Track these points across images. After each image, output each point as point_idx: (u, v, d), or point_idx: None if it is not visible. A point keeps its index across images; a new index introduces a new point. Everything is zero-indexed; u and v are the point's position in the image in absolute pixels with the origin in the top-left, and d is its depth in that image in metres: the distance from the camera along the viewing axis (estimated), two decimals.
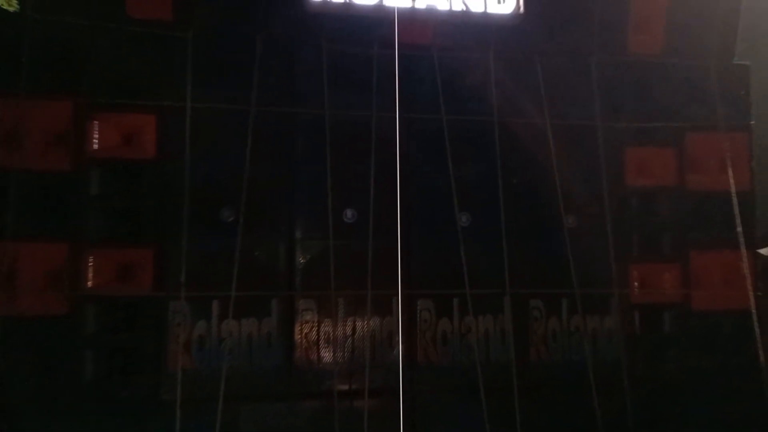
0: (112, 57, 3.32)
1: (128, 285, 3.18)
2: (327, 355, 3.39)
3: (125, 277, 3.19)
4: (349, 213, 3.52)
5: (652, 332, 3.73)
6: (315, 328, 3.39)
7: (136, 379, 3.21)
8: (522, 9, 3.60)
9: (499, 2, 3.61)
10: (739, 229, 3.73)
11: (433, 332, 3.55)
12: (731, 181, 3.78)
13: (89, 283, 3.16)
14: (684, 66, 3.92)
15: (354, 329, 3.42)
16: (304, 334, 3.37)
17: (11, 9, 3.26)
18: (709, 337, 3.74)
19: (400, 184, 3.55)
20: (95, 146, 3.24)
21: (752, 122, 3.91)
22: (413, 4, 3.56)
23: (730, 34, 3.95)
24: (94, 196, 3.25)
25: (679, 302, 3.75)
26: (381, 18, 3.60)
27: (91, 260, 3.17)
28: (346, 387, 3.33)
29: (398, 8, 3.55)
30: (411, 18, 3.59)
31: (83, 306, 3.16)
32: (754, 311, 3.65)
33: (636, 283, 3.71)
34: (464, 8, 3.59)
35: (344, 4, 3.51)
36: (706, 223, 3.83)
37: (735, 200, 3.75)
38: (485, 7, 3.60)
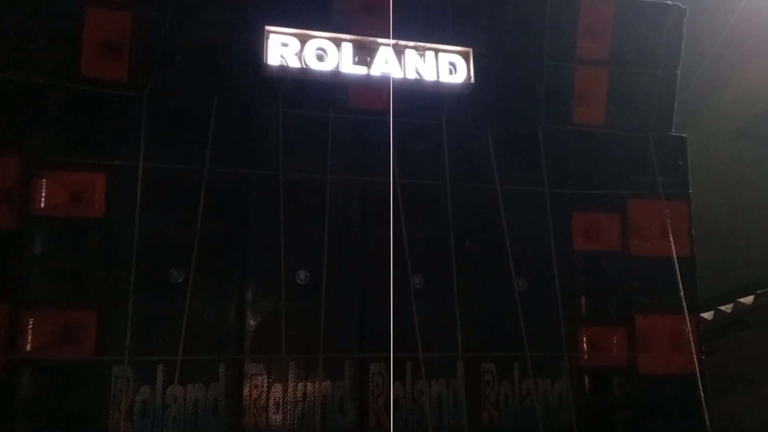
0: (65, 115, 3.29)
1: (70, 348, 3.06)
2: (277, 421, 3.28)
3: (67, 340, 3.07)
4: (302, 274, 3.50)
5: (601, 396, 3.76)
6: (264, 393, 3.29)
7: None
8: (472, 79, 3.75)
9: (450, 73, 3.76)
10: (682, 293, 3.84)
11: (386, 397, 3.49)
12: (672, 246, 3.92)
13: (27, 347, 3.02)
14: (625, 137, 4.11)
15: (305, 394, 3.34)
16: (252, 399, 3.27)
17: None
18: (656, 401, 3.79)
19: (354, 246, 3.57)
20: (42, 204, 3.16)
21: (690, 191, 4.09)
22: (368, 71, 3.67)
23: (668, 106, 4.18)
24: (38, 255, 3.14)
25: (627, 366, 3.80)
26: (336, 83, 3.70)
27: (31, 322, 3.04)
28: None
29: (354, 75, 3.65)
30: (366, 85, 3.69)
31: (20, 370, 3.01)
32: (698, 375, 3.73)
33: (585, 347, 3.76)
34: (417, 77, 3.72)
35: (301, 69, 3.59)
36: (649, 288, 3.94)
37: (676, 266, 3.88)
38: (437, 77, 3.73)
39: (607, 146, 4.05)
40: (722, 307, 5.39)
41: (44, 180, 3.18)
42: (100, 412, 3.06)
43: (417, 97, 3.75)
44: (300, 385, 3.35)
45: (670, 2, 4.14)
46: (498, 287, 3.73)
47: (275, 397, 3.30)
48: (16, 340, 3.03)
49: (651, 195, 4.02)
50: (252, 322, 3.38)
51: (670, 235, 3.93)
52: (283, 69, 3.58)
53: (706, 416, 3.68)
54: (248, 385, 3.28)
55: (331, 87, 3.69)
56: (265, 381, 3.31)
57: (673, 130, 4.20)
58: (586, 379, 3.76)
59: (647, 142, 4.12)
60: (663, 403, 3.75)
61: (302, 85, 3.64)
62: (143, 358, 3.11)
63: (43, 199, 3.17)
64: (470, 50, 3.80)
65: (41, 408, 3.05)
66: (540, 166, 3.91)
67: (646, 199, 4.02)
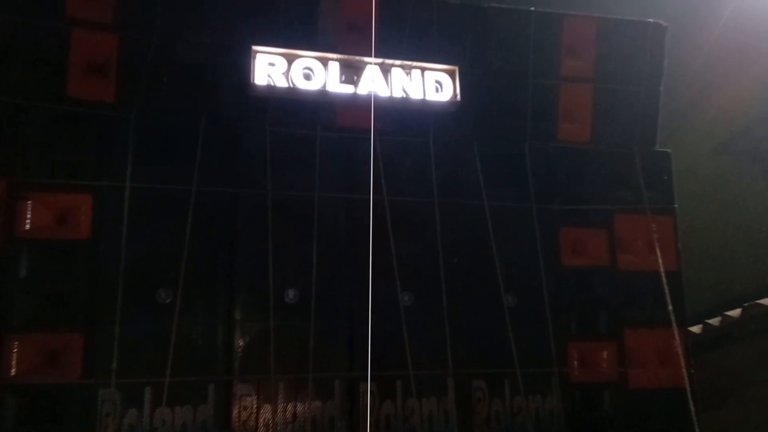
0: (50, 136, 3.27)
1: (55, 372, 3.01)
2: None
3: (52, 364, 3.02)
4: (290, 293, 3.48)
5: (592, 411, 3.75)
6: (254, 414, 3.26)
7: None
8: (458, 97, 3.78)
9: (437, 90, 3.79)
10: (670, 307, 3.86)
11: (376, 415, 3.47)
12: (659, 261, 3.94)
13: (12, 372, 2.97)
14: (610, 152, 4.15)
15: (295, 414, 3.31)
16: (242, 420, 3.23)
17: None
18: (647, 415, 3.78)
19: (343, 264, 3.57)
20: (27, 226, 3.13)
21: (675, 206, 4.13)
22: (355, 90, 3.69)
23: (651, 123, 4.23)
24: (23, 278, 3.10)
25: (617, 380, 3.80)
26: (323, 102, 3.71)
27: (15, 346, 2.99)
28: None
29: (340, 94, 3.67)
30: (353, 103, 3.71)
31: (4, 396, 2.96)
32: (688, 388, 3.74)
33: (575, 362, 3.76)
34: (404, 95, 3.75)
35: (288, 89, 3.60)
36: (638, 302, 3.95)
37: (664, 279, 3.90)
38: (424, 95, 3.76)
39: (593, 162, 4.09)
40: (710, 321, 5.42)
41: (29, 202, 3.15)
42: None
43: (404, 115, 3.77)
44: (290, 406, 3.32)
45: (651, 20, 4.21)
46: (487, 303, 3.73)
47: (265, 418, 3.26)
48: (1, 365, 2.98)
49: (637, 210, 4.06)
50: (241, 342, 3.35)
51: (657, 249, 3.95)
52: (271, 89, 3.59)
53: (696, 430, 3.68)
54: (237, 406, 3.24)
55: (319, 106, 3.71)
56: (255, 402, 3.28)
57: (657, 146, 4.25)
58: (577, 394, 3.75)
59: (632, 157, 4.16)
60: (653, 417, 3.75)
61: (289, 105, 3.65)
62: (130, 381, 3.07)
63: (28, 221, 3.14)
64: (456, 68, 3.84)
65: None
66: (527, 182, 3.94)
67: (633, 214, 4.05)
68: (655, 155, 4.23)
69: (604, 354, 3.82)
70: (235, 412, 3.23)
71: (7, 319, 3.06)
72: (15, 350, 3.00)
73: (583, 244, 3.94)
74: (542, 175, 3.97)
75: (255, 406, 3.27)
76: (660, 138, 4.27)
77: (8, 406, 2.96)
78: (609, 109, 4.15)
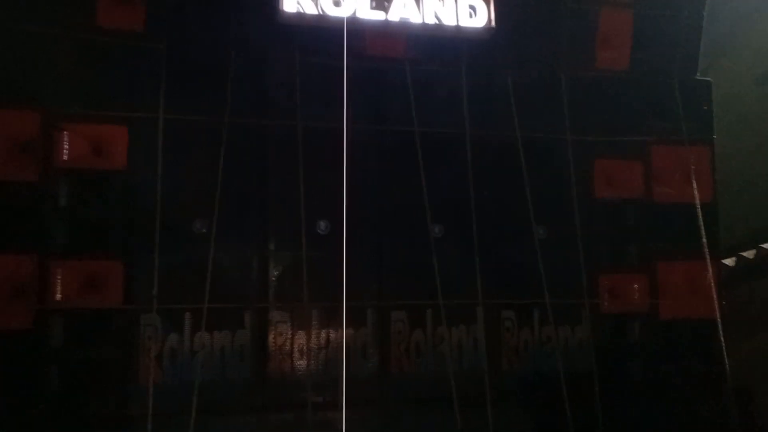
0: (84, 67, 3.27)
1: (98, 298, 3.12)
2: (301, 366, 3.36)
3: (94, 290, 3.12)
4: (322, 225, 3.52)
5: (621, 341, 3.79)
6: (289, 340, 3.36)
7: (104, 394, 3.13)
8: (493, 23, 3.66)
9: (471, 16, 3.66)
10: (704, 240, 3.82)
11: (407, 343, 3.55)
12: (695, 193, 3.88)
13: (56, 296, 3.09)
14: (649, 81, 4.03)
15: (328, 340, 3.41)
16: (278, 345, 3.34)
17: None
18: (676, 346, 3.81)
19: (373, 196, 3.58)
20: (64, 157, 3.18)
21: (714, 136, 4.02)
22: (386, 17, 3.59)
23: (693, 50, 4.07)
24: (63, 207, 3.18)
25: (647, 311, 3.81)
26: (353, 30, 3.63)
27: (58, 273, 3.10)
28: (320, 398, 3.30)
29: (370, 21, 3.58)
30: (384, 31, 3.63)
31: (49, 319, 3.08)
32: (718, 320, 3.74)
33: (606, 293, 3.77)
34: (437, 22, 3.64)
35: (318, 16, 3.52)
36: (671, 234, 3.91)
37: (699, 212, 3.85)
38: (457, 21, 3.65)
39: (631, 92, 3.97)
40: (744, 253, 5.35)
41: (65, 132, 3.18)
42: (131, 359, 3.14)
43: (436, 43, 3.68)
44: (323, 332, 3.41)
45: None
46: (518, 235, 3.73)
47: (299, 344, 3.37)
48: (45, 291, 3.09)
49: (674, 141, 3.96)
50: (275, 272, 3.43)
51: (693, 181, 3.88)
52: (300, 16, 3.51)
53: (726, 360, 3.70)
54: (273, 332, 3.35)
55: (348, 34, 3.63)
56: (290, 328, 3.37)
57: (698, 74, 4.10)
58: (607, 325, 3.78)
59: (671, 86, 4.03)
60: (683, 348, 3.78)
61: (319, 33, 3.58)
62: (171, 307, 3.17)
63: (65, 152, 3.18)
64: None
65: (72, 356, 3.13)
66: (561, 112, 3.85)
67: (670, 145, 3.96)
68: (695, 84, 4.09)
69: (635, 286, 3.82)
70: (271, 337, 3.34)
71: (50, 246, 3.15)
72: (58, 276, 3.10)
73: (618, 175, 3.89)
74: (577, 105, 3.87)
75: (290, 332, 3.37)
76: (701, 66, 4.12)
77: (55, 328, 3.09)
78: (649, 36, 4.00)
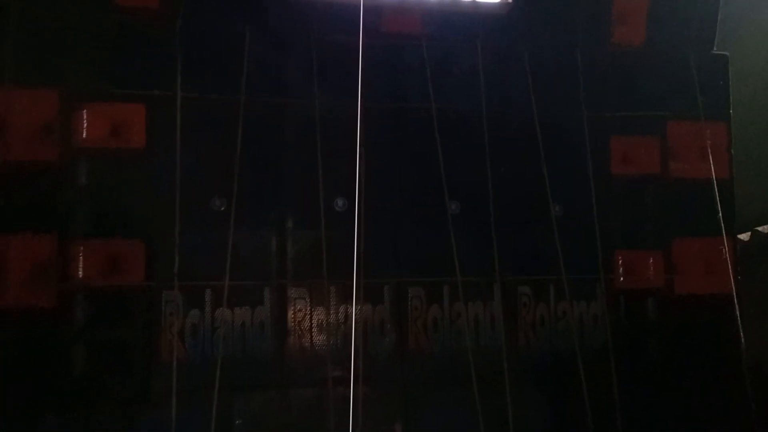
0: (100, 46, 3.27)
1: (120, 276, 3.15)
2: (320, 342, 3.40)
3: (116, 269, 3.16)
4: (339, 202, 3.54)
5: (637, 317, 3.81)
6: (308, 316, 3.40)
7: (128, 371, 3.18)
8: None
9: None
10: (720, 215, 3.82)
11: (424, 319, 3.58)
12: (712, 169, 3.87)
13: (79, 275, 3.13)
14: (665, 56, 4.00)
15: (347, 317, 3.44)
16: (297, 321, 3.38)
17: None
18: (692, 322, 3.83)
19: (390, 173, 3.59)
20: (83, 136, 3.19)
21: (731, 111, 4.00)
22: None
23: (710, 24, 4.04)
24: (83, 186, 3.21)
25: (662, 287, 3.83)
26: (369, 7, 3.61)
27: (80, 252, 3.13)
28: (339, 374, 3.35)
29: None
30: (399, 7, 3.61)
31: (73, 297, 3.13)
32: (734, 296, 3.75)
33: (621, 269, 3.78)
34: None
35: None
36: (687, 210, 3.92)
37: (715, 188, 3.85)
38: None
39: (647, 67, 3.95)
40: (760, 228, 5.34)
41: (84, 111, 3.20)
42: (153, 335, 3.18)
43: (452, 19, 3.66)
44: (341, 309, 3.45)
45: None
46: (534, 212, 3.74)
47: (318, 320, 3.41)
48: (68, 270, 3.13)
49: (691, 116, 3.94)
50: (293, 249, 3.45)
51: (710, 157, 3.87)
52: None
53: (742, 337, 3.72)
54: (292, 308, 3.39)
55: (364, 11, 3.61)
56: (308, 305, 3.41)
57: (714, 49, 4.07)
58: (622, 300, 3.80)
59: (688, 61, 4.01)
60: (698, 324, 3.80)
61: (334, 10, 3.57)
62: (192, 284, 3.21)
63: (84, 131, 3.20)
64: None
65: (95, 334, 3.18)
66: (577, 89, 3.83)
67: (686, 120, 3.95)
68: (712, 59, 4.06)
69: (651, 261, 3.83)
70: (290, 313, 3.38)
71: (70, 226, 3.18)
72: (80, 255, 3.14)
73: (634, 152, 3.88)
74: (593, 82, 3.86)
75: (308, 309, 3.41)
76: (717, 40, 4.08)
77: (78, 306, 3.13)
78: (665, 10, 3.96)
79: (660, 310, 3.83)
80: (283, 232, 3.45)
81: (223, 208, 3.31)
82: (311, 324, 3.40)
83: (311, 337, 3.40)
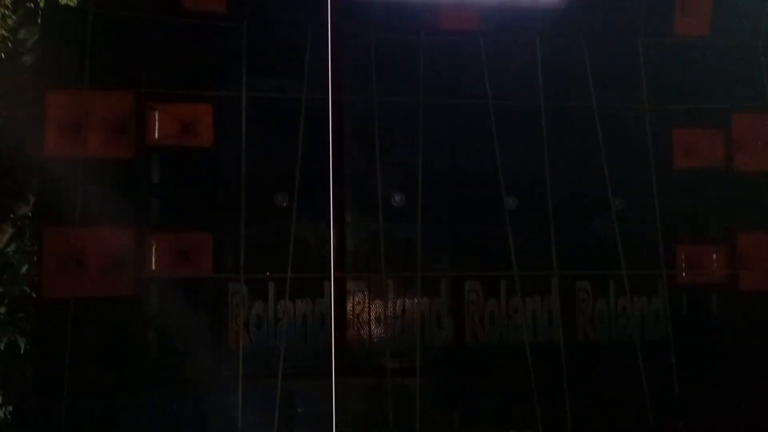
0: (170, 48, 3.43)
1: (190, 268, 3.31)
2: (378, 334, 3.49)
3: (186, 261, 3.32)
4: (397, 197, 3.61)
5: (699, 313, 3.74)
6: (366, 309, 3.49)
7: (196, 357, 3.35)
8: None
9: None
10: None
11: (481, 313, 3.62)
12: None
13: (153, 266, 3.30)
14: (731, 46, 3.89)
15: (404, 310, 3.52)
16: (356, 314, 3.47)
17: (71, 3, 3.39)
18: (755, 318, 3.73)
19: (448, 168, 3.63)
20: (156, 135, 3.36)
21: None
22: None
23: None
24: (156, 183, 3.38)
25: (726, 283, 3.75)
26: (426, 4, 3.65)
27: (154, 244, 3.31)
28: (397, 365, 3.42)
29: None
30: (457, 4, 3.64)
31: (147, 287, 3.30)
32: None
33: (683, 264, 3.72)
34: None
35: None
36: (752, 204, 3.81)
37: None
38: None
39: (712, 58, 3.86)
40: None
41: (156, 111, 3.36)
42: (220, 325, 3.34)
43: (510, 14, 3.66)
44: (399, 302, 3.52)
45: None
46: (593, 207, 3.71)
47: (377, 312, 3.49)
48: (142, 261, 3.31)
49: (757, 108, 3.83)
50: (352, 243, 3.54)
51: None
52: None
53: None
54: (351, 301, 3.48)
55: (422, 8, 3.66)
56: (367, 297, 3.50)
57: None
58: (684, 296, 3.74)
59: (754, 51, 3.88)
60: (763, 320, 3.69)
61: (393, 8, 3.62)
62: (256, 276, 3.34)
63: (156, 130, 3.36)
64: None
65: (167, 321, 3.35)
66: (639, 81, 3.77)
67: (752, 112, 3.84)
68: None
69: (714, 256, 3.75)
70: (349, 306, 3.48)
71: (145, 220, 3.36)
72: (153, 247, 3.32)
73: (697, 145, 3.80)
74: (656, 73, 3.79)
75: (367, 302, 3.50)
76: None
77: (152, 295, 3.31)
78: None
79: (724, 307, 3.74)
80: (343, 226, 3.53)
81: (285, 204, 3.43)
82: (369, 316, 3.49)
83: (370, 328, 3.48)
